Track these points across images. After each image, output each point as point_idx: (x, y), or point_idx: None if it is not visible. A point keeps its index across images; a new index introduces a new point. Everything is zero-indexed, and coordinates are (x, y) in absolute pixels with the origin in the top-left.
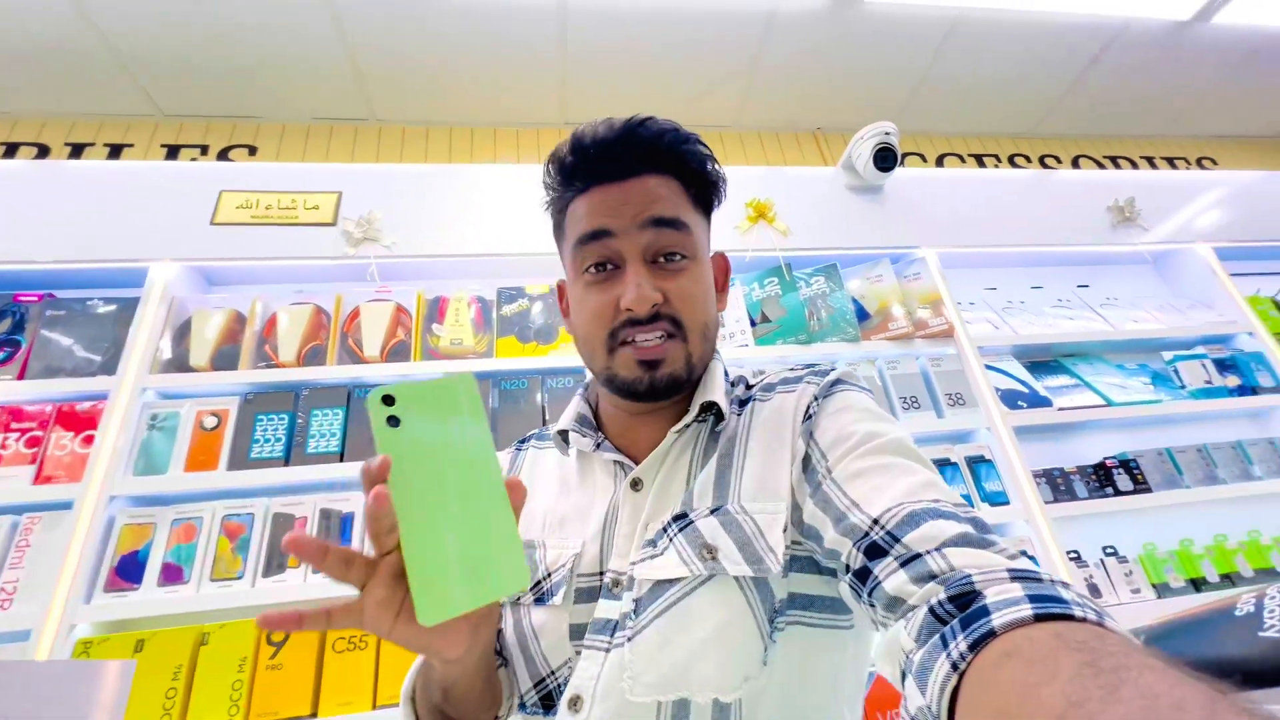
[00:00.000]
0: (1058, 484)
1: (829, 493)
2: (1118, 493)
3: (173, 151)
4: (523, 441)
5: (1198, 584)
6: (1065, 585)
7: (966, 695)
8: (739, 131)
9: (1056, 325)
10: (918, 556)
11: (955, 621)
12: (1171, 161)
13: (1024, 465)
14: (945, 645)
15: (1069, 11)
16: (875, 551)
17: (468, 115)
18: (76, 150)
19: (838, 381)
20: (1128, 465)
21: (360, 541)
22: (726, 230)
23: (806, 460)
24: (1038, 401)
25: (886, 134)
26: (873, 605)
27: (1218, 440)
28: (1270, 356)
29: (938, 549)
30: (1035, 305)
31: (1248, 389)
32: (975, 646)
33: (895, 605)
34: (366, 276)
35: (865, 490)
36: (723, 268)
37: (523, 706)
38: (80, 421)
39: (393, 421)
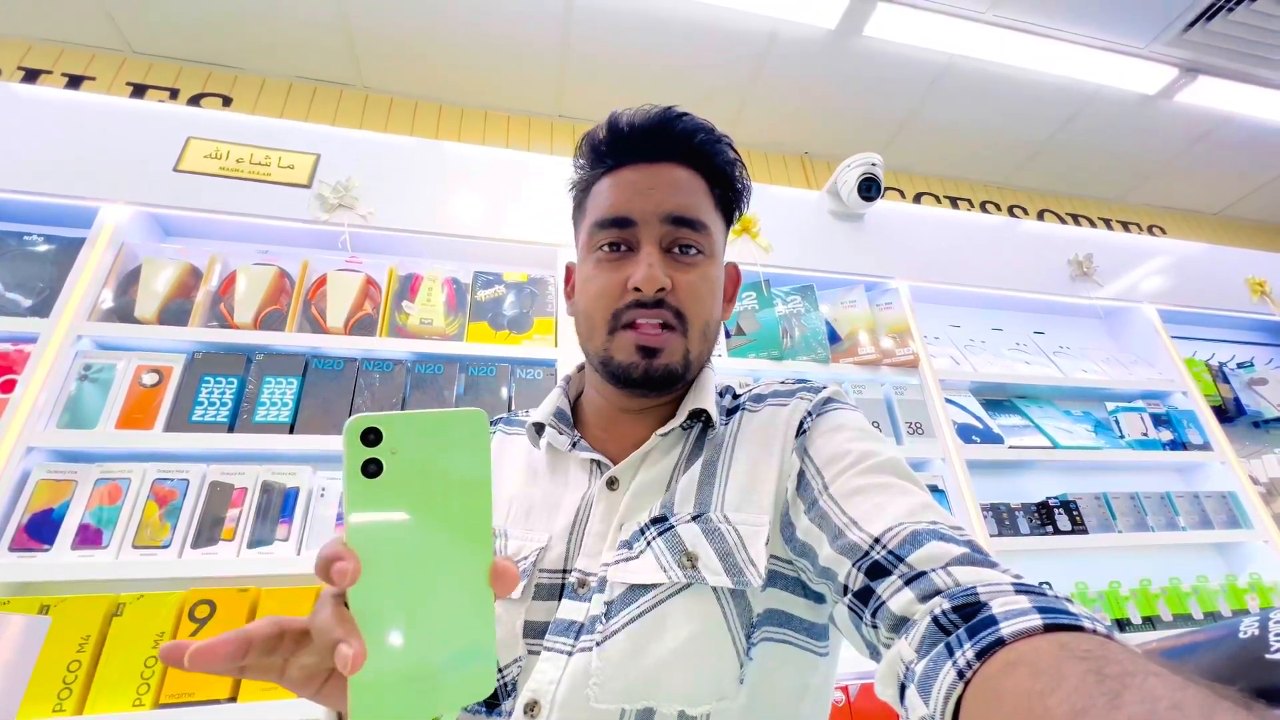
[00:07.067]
0: (1003, 518)
1: (825, 508)
2: (1057, 531)
3: (138, 91)
4: (490, 424)
5: (1122, 624)
6: (1070, 600)
7: (971, 703)
8: None
9: (1013, 367)
10: (923, 574)
11: (961, 630)
12: (1126, 225)
13: (974, 498)
14: (951, 654)
15: (1049, 72)
16: (878, 571)
17: (460, 94)
18: (31, 76)
19: (830, 400)
20: (1068, 506)
21: (301, 525)
22: None
23: (801, 476)
24: (990, 438)
25: (873, 165)
26: (875, 626)
27: (1148, 490)
28: (1200, 416)
29: (943, 567)
30: (995, 346)
31: (1178, 444)
32: (983, 655)
33: (900, 625)
34: (338, 245)
35: (865, 508)
36: (734, 278)
37: None
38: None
39: (371, 468)
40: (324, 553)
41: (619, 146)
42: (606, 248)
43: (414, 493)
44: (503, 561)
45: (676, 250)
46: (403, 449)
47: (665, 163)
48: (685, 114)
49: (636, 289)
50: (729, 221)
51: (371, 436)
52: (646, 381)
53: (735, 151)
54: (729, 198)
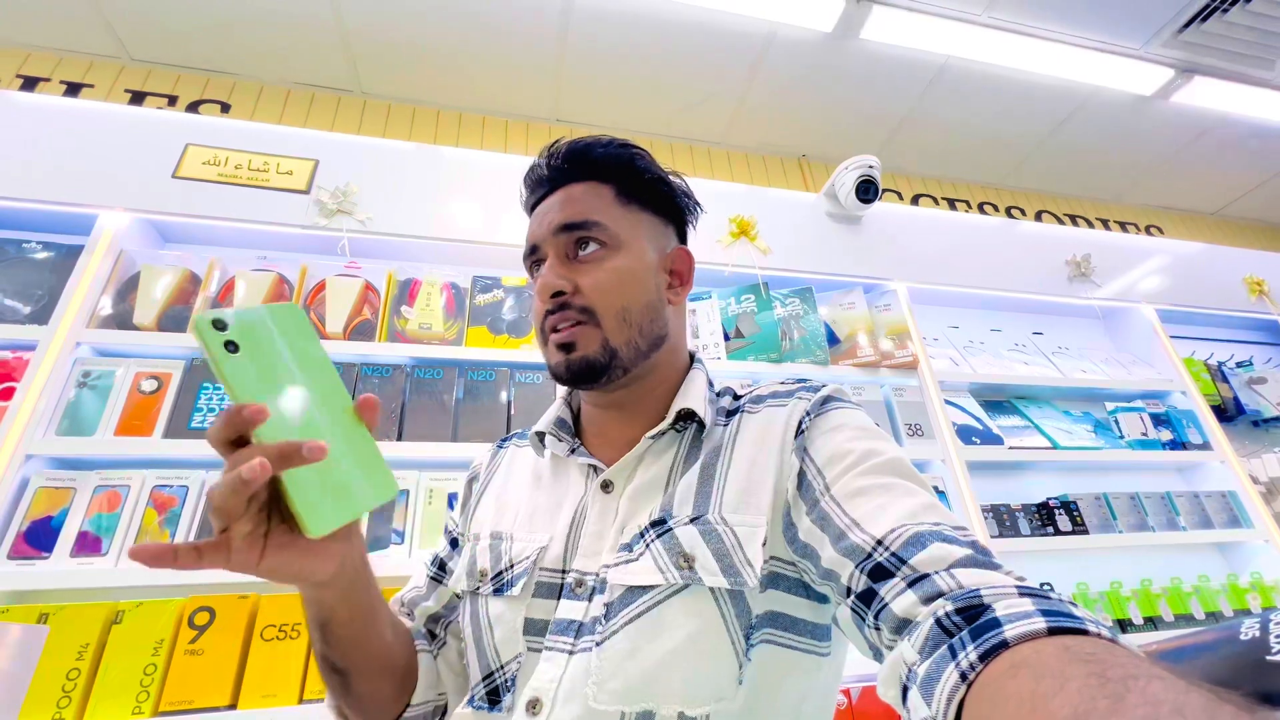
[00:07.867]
0: (1003, 519)
1: (827, 510)
2: (1058, 532)
3: (137, 98)
4: (504, 440)
5: (1124, 625)
6: (1074, 604)
7: (974, 706)
8: (726, 150)
9: (1012, 368)
10: (925, 577)
11: (964, 633)
12: (1123, 225)
13: (974, 499)
14: (954, 655)
15: (1045, 74)
16: (880, 573)
17: (458, 99)
18: (29, 84)
19: (830, 399)
20: (1068, 507)
21: None
22: (709, 243)
23: (801, 477)
24: (990, 439)
25: (870, 167)
26: (878, 628)
27: (1148, 490)
28: (1199, 416)
29: (946, 569)
30: (994, 347)
31: (1178, 444)
32: (986, 657)
33: (902, 627)
34: (337, 250)
35: (867, 509)
36: (681, 259)
37: (470, 700)
38: None
39: (231, 347)
40: (221, 418)
41: (528, 195)
42: (531, 277)
43: (271, 357)
44: (362, 396)
45: (580, 254)
46: (247, 331)
47: (561, 187)
48: (574, 140)
49: (541, 302)
50: (661, 210)
51: (219, 325)
52: (571, 377)
53: (634, 148)
54: (640, 190)
